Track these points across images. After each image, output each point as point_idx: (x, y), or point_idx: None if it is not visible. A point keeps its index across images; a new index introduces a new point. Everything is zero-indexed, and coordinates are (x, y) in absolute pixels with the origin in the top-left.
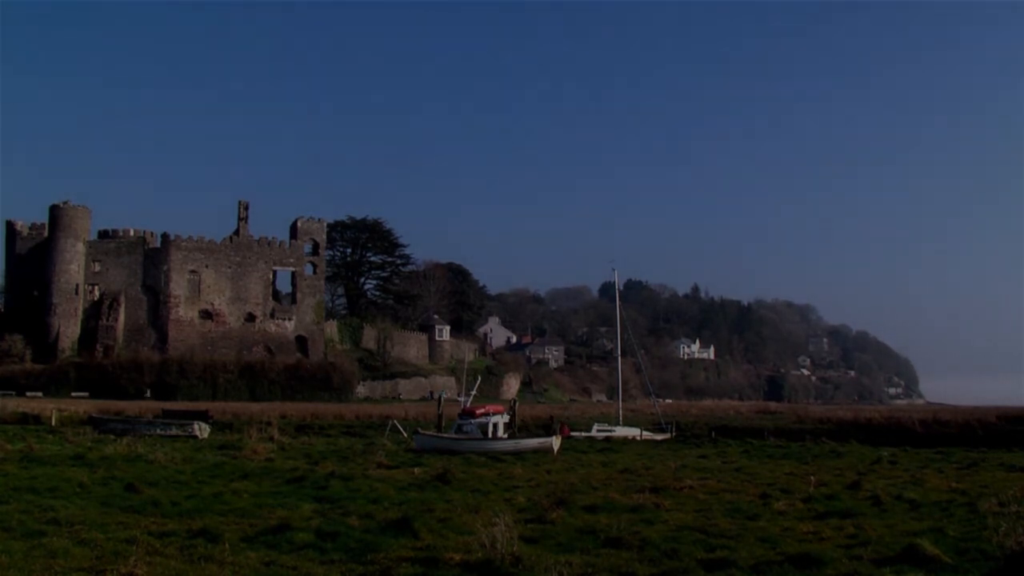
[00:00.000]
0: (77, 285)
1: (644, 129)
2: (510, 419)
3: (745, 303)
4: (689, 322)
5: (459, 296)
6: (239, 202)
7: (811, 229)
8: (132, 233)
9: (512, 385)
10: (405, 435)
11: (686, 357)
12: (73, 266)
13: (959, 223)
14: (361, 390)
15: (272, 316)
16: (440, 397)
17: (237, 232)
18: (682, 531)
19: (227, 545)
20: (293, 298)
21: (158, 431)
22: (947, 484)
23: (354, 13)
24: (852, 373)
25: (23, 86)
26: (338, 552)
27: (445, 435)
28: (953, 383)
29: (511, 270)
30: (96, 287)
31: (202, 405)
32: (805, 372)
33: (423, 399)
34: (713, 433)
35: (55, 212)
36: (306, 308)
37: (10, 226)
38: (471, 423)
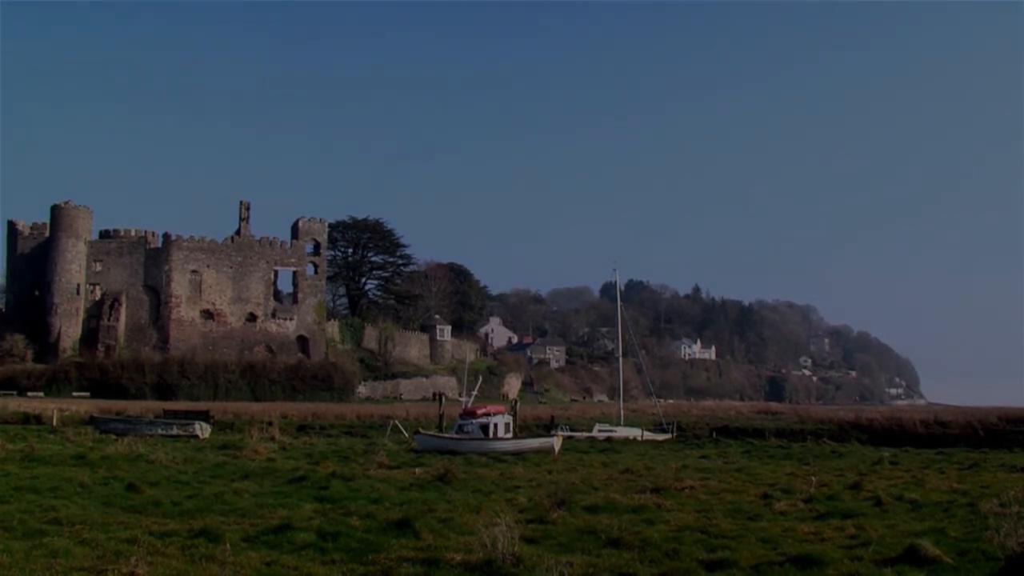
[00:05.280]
0: (78, 285)
1: (645, 129)
2: (513, 419)
3: (746, 303)
4: (690, 322)
5: (460, 296)
6: (240, 202)
7: (812, 229)
8: (133, 233)
9: (513, 385)
10: (406, 435)
11: (687, 357)
12: (74, 266)
13: (961, 224)
14: (362, 390)
15: (273, 316)
16: (442, 398)
17: (238, 232)
18: (683, 531)
19: (228, 545)
20: (294, 298)
21: (159, 431)
22: (948, 485)
23: (355, 12)
24: (853, 374)
25: (25, 86)
26: (339, 552)
27: (446, 435)
28: (954, 384)
29: (512, 270)
30: (97, 287)
31: (203, 405)
32: (806, 373)
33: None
34: (714, 433)
35: (56, 212)
36: (307, 308)
37: (11, 226)
38: (472, 423)
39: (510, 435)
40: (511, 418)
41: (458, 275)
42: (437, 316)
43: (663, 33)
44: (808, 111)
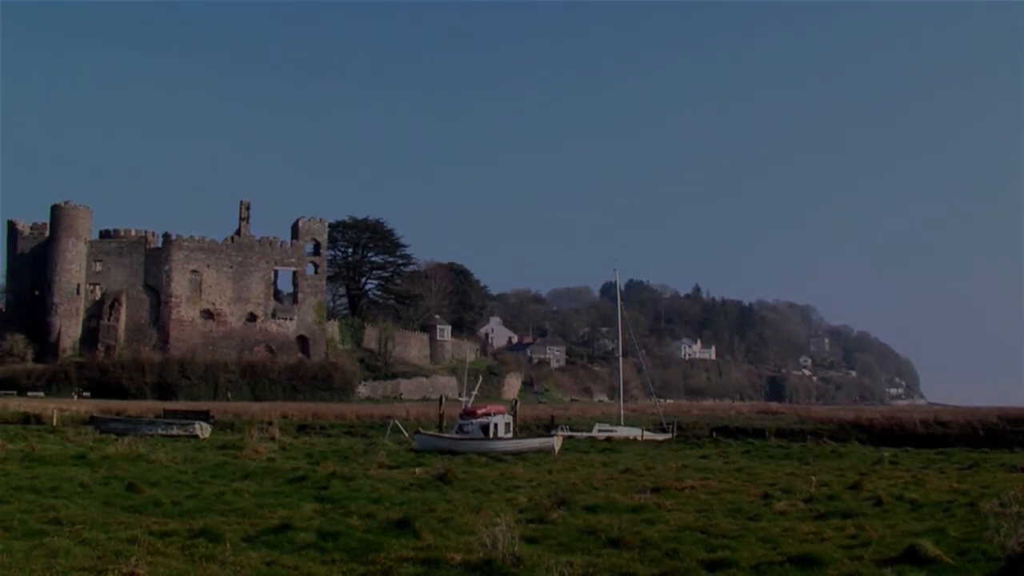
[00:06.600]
0: (78, 285)
1: (645, 129)
2: (513, 419)
3: (746, 303)
4: (690, 322)
5: (460, 296)
6: (240, 202)
7: (812, 229)
8: (133, 233)
9: (513, 385)
10: (406, 435)
11: (687, 357)
12: (74, 266)
13: (961, 223)
14: (362, 390)
15: (273, 316)
16: (442, 399)
17: (238, 232)
18: (683, 531)
19: (228, 545)
20: (294, 298)
21: (159, 431)
22: (948, 485)
23: (356, 12)
24: (853, 373)
25: (24, 85)
26: (339, 552)
27: (446, 435)
28: (954, 384)
29: (512, 270)
30: (97, 287)
31: (203, 405)
32: (806, 372)
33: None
34: (714, 433)
35: (56, 212)
36: (307, 308)
37: (12, 225)
38: (472, 423)
39: (510, 435)
40: (511, 418)
41: (458, 275)
42: (437, 316)
43: (661, 27)
44: (807, 110)
